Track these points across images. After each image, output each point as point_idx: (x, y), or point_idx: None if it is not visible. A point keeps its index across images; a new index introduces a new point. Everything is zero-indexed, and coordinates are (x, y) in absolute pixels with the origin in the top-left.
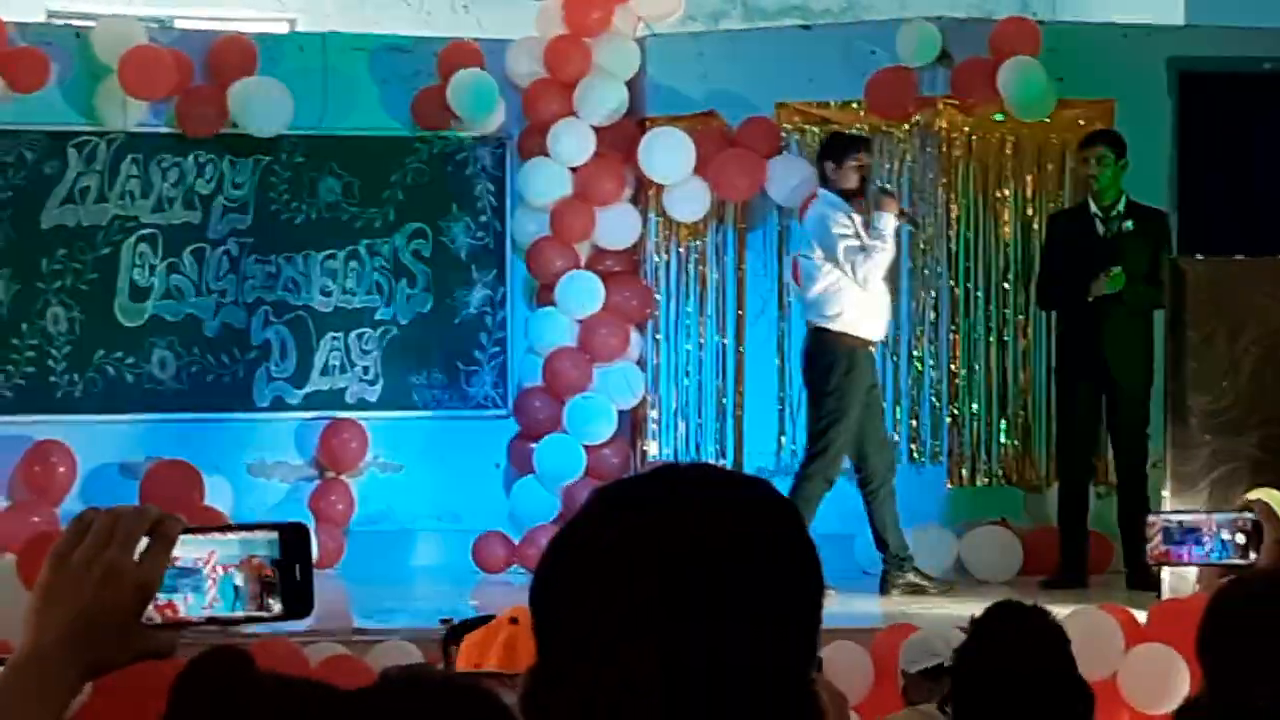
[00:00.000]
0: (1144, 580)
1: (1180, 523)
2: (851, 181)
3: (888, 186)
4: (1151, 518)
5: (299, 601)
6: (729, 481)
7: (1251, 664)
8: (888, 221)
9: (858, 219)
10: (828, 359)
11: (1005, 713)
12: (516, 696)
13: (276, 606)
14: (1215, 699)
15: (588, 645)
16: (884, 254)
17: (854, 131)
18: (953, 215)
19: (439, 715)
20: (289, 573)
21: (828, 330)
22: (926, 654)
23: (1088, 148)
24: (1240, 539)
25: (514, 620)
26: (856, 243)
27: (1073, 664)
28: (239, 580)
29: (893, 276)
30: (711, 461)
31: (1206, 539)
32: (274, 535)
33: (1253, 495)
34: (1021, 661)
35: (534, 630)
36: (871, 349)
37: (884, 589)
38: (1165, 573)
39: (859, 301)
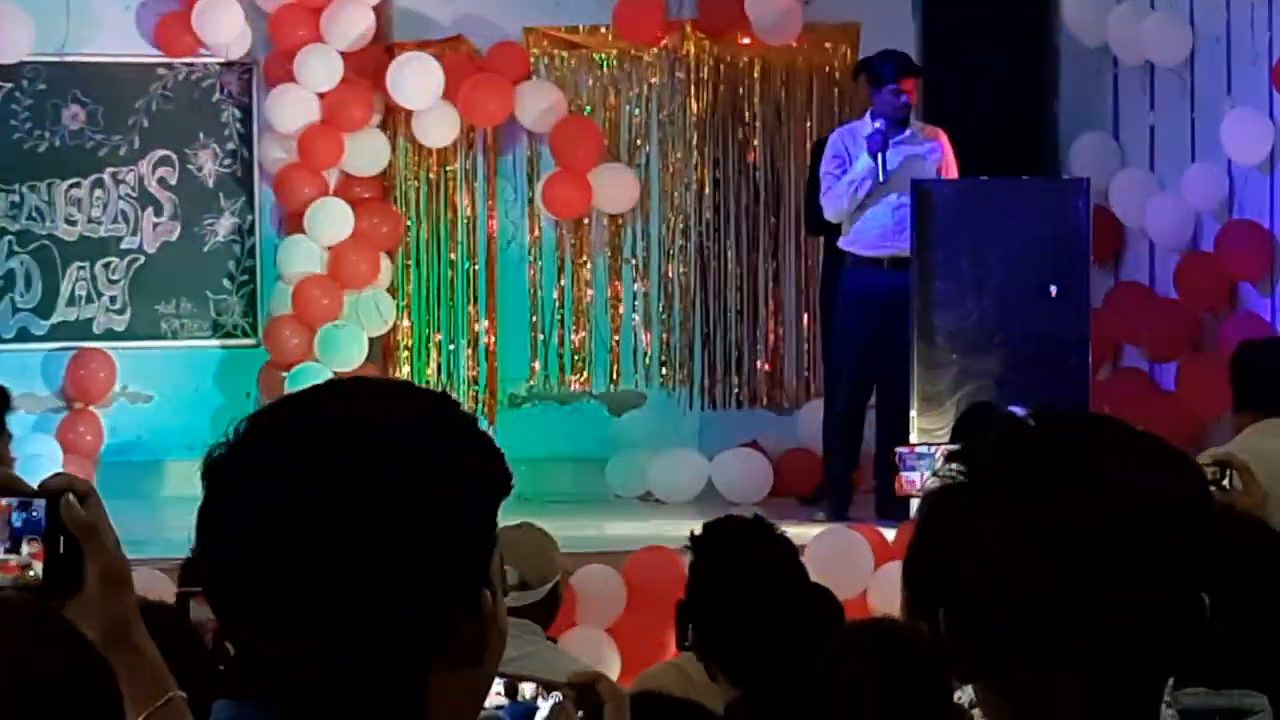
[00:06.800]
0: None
1: (915, 451)
2: (888, 107)
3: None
4: (899, 449)
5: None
6: (387, 393)
7: (940, 586)
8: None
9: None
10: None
11: (743, 628)
12: None
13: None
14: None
15: (251, 577)
16: (839, 186)
17: (900, 53)
18: (702, 139)
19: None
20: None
21: (833, 246)
22: None
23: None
24: None
25: None
26: (836, 174)
27: (803, 571)
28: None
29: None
30: (379, 375)
31: (940, 464)
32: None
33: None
34: (751, 573)
35: (199, 557)
36: (875, 266)
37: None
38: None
39: (852, 218)
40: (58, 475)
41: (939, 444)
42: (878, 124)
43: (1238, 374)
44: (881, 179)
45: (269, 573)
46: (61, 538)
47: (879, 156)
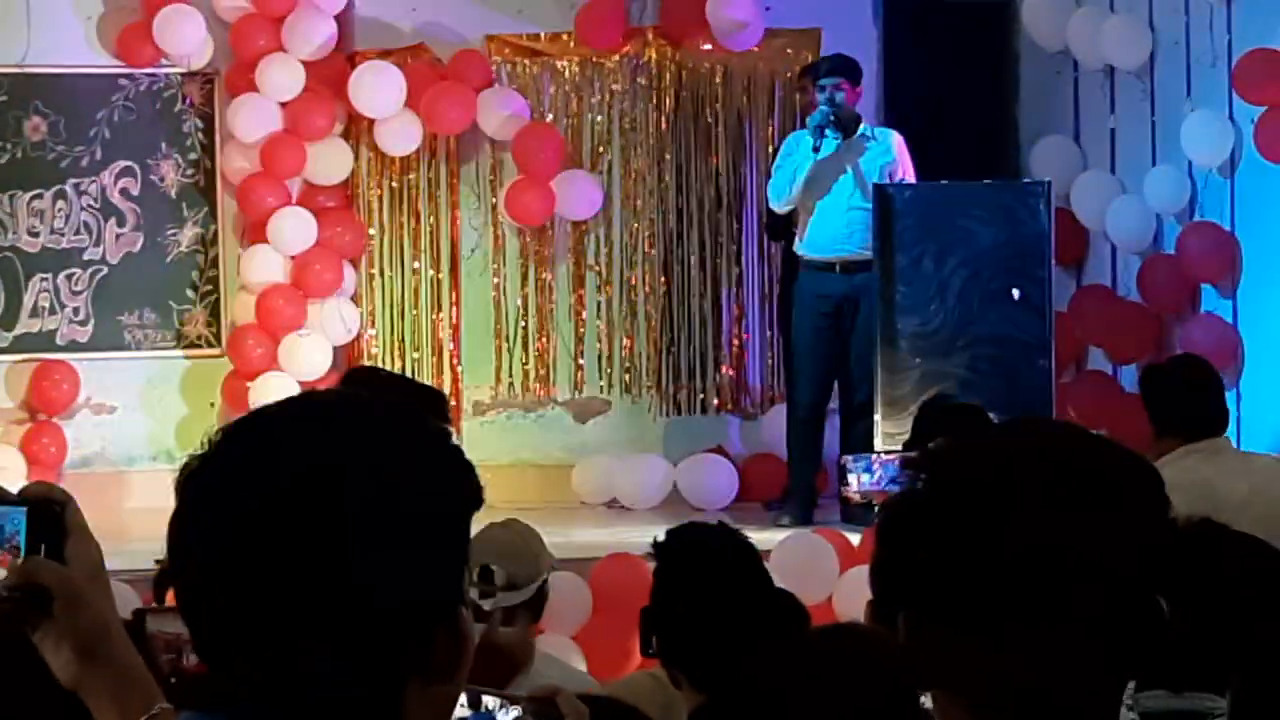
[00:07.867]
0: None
1: (857, 457)
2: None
3: (836, 110)
4: (844, 457)
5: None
6: (359, 407)
7: (900, 592)
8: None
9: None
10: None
11: (707, 634)
12: None
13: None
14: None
15: (224, 588)
16: (784, 169)
17: (837, 55)
18: (664, 145)
19: None
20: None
21: (790, 251)
22: None
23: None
24: None
25: None
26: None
27: (767, 577)
28: None
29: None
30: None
31: (876, 468)
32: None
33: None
34: (714, 579)
35: (170, 567)
36: (828, 270)
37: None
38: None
39: (805, 222)
40: (38, 483)
41: (884, 451)
42: (823, 108)
43: (1156, 399)
44: (815, 153)
45: (242, 583)
46: (43, 546)
47: (817, 133)
